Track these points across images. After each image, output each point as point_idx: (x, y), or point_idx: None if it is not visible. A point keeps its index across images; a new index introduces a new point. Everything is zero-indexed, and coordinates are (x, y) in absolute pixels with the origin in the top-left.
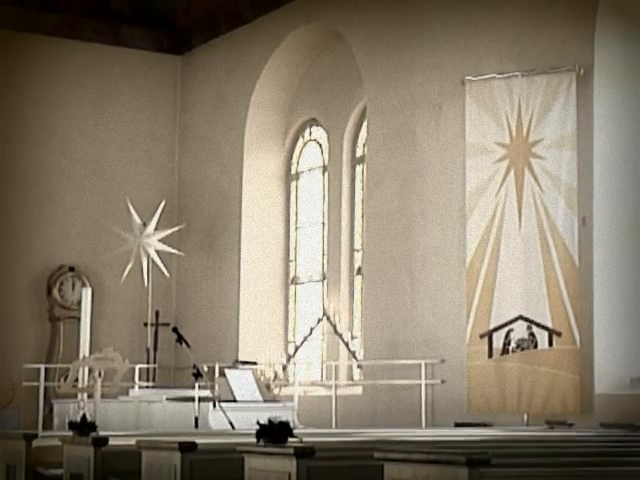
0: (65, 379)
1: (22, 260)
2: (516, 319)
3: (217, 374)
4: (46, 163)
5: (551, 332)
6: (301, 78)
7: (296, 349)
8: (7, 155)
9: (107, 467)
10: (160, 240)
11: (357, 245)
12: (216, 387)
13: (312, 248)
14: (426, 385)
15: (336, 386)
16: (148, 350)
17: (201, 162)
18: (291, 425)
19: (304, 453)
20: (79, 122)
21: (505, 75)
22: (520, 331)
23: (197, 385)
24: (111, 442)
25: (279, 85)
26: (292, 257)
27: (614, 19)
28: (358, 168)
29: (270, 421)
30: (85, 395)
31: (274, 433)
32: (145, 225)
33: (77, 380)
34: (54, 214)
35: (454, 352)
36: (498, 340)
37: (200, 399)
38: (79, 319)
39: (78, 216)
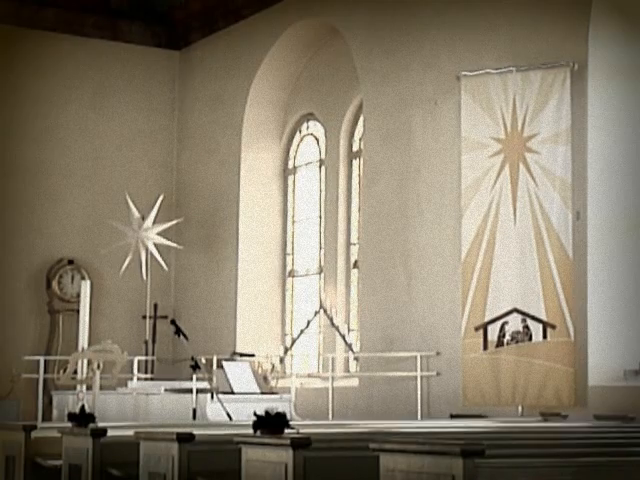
0: (64, 371)
1: (22, 253)
2: (511, 312)
3: (215, 366)
4: (45, 159)
5: (545, 325)
6: (299, 74)
7: (293, 341)
8: (6, 151)
9: (106, 458)
10: (158, 234)
11: (354, 239)
12: (214, 379)
13: (309, 241)
14: (422, 377)
15: (333, 378)
16: (146, 342)
17: (199, 157)
18: (288, 417)
19: (301, 444)
20: (78, 118)
21: (500, 71)
22: (515, 324)
23: (195, 377)
24: (110, 433)
25: (277, 81)
26: (289, 250)
27: (608, 15)
28: (355, 162)
29: (267, 412)
30: (84, 387)
31: (271, 424)
32: (143, 219)
33: (76, 372)
34: (54, 209)
35: (449, 344)
36: (493, 333)
37: (198, 391)
38: (78, 312)
39: (77, 211)
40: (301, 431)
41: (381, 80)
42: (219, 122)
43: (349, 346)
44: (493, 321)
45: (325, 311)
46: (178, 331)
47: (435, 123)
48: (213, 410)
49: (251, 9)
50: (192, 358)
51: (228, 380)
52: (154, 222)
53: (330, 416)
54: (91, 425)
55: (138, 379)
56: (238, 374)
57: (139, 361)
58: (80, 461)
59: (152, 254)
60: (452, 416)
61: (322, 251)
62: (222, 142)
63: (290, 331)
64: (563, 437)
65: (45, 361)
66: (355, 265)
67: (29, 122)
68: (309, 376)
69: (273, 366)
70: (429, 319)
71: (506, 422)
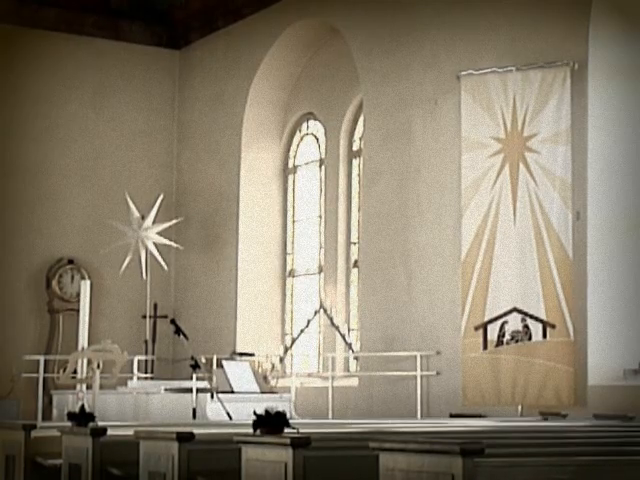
0: (64, 370)
1: (22, 253)
2: (510, 311)
3: (215, 366)
4: (45, 158)
5: (545, 324)
6: (299, 73)
7: (293, 341)
8: (6, 151)
9: (105, 457)
10: (158, 233)
11: (354, 238)
12: (214, 378)
13: (309, 241)
14: (421, 377)
15: (332, 377)
16: (146, 342)
17: (199, 157)
18: (288, 416)
19: (300, 443)
20: (78, 118)
21: (500, 70)
22: (514, 323)
23: (195, 376)
24: (109, 432)
25: (277, 81)
26: (289, 250)
27: (608, 15)
28: (355, 162)
29: (267, 411)
30: (84, 386)
31: (271, 423)
32: (143, 218)
33: (76, 371)
34: (54, 209)
35: (449, 344)
36: (492, 332)
37: (198, 390)
38: (78, 311)
39: (77, 211)
40: (301, 430)
41: (381, 80)
42: (219, 122)
43: (349, 346)
44: (493, 321)
45: (325, 311)
46: (178, 331)
47: (435, 123)
48: (213, 409)
49: (251, 9)
50: (192, 358)
51: (228, 379)
52: (154, 222)
53: (330, 416)
54: (91, 424)
55: (138, 379)
56: (238, 373)
57: (139, 361)
58: (80, 460)
59: (152, 254)
60: (452, 415)
61: (322, 251)
62: (222, 142)
63: (290, 331)
64: (563, 436)
65: (45, 361)
66: (355, 265)
67: (29, 122)
68: (309, 376)
69: (273, 366)
70: (429, 319)
71: (506, 421)
